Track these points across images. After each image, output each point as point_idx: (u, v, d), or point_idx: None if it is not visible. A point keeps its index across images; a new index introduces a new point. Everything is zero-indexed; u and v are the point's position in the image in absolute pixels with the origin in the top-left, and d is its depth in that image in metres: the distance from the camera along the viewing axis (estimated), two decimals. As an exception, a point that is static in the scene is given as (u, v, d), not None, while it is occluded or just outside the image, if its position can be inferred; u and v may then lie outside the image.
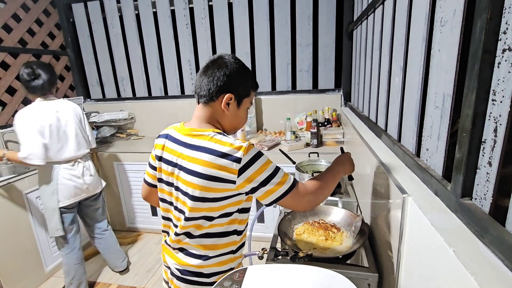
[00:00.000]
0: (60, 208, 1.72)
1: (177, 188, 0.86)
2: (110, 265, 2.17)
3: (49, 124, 1.63)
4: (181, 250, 0.90)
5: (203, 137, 0.81)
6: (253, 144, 0.82)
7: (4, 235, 1.87)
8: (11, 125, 2.43)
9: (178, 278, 0.92)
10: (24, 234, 2.01)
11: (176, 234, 0.89)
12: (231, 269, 0.92)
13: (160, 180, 0.93)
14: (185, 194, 0.83)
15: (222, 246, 0.88)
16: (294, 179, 0.84)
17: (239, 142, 0.79)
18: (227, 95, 0.83)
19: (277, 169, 0.82)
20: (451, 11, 0.65)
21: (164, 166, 0.89)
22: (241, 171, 0.77)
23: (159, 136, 0.94)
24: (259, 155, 0.80)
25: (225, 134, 0.84)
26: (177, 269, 0.91)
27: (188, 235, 0.87)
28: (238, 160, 0.77)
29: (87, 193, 1.85)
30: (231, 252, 0.91)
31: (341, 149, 1.11)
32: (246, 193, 0.83)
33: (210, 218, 0.84)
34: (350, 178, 1.09)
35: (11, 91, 2.48)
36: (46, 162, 1.61)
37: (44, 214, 1.77)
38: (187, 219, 0.85)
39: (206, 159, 0.78)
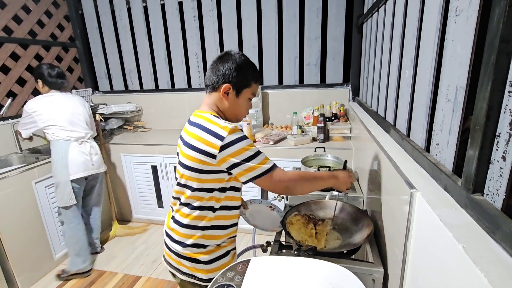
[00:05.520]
0: (71, 180, 1.96)
1: (179, 161, 0.98)
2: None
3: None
4: (172, 217, 1.03)
5: (201, 117, 0.95)
6: (241, 129, 0.91)
7: (14, 223, 1.92)
8: (21, 115, 2.47)
9: (166, 240, 1.05)
10: (33, 222, 2.05)
11: (173, 198, 1.03)
12: (194, 245, 0.98)
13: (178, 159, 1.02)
14: (181, 164, 0.95)
15: (194, 217, 0.97)
16: (274, 164, 0.93)
17: (227, 123, 0.90)
18: (225, 85, 0.95)
19: (258, 152, 0.91)
20: (467, -1, 0.62)
21: (180, 142, 1.01)
22: (222, 148, 0.86)
23: None
24: (242, 138, 0.89)
25: (220, 117, 0.95)
26: (165, 231, 1.06)
27: (178, 200, 0.99)
28: (221, 138, 0.86)
29: (93, 169, 2.09)
30: (198, 227, 0.96)
31: (345, 162, 1.18)
32: (228, 170, 0.90)
33: (191, 188, 0.94)
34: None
35: (21, 82, 2.52)
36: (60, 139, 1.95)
37: (57, 187, 1.97)
38: (178, 184, 0.99)
39: (197, 134, 0.90)
